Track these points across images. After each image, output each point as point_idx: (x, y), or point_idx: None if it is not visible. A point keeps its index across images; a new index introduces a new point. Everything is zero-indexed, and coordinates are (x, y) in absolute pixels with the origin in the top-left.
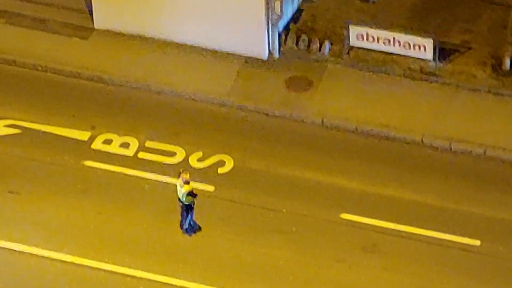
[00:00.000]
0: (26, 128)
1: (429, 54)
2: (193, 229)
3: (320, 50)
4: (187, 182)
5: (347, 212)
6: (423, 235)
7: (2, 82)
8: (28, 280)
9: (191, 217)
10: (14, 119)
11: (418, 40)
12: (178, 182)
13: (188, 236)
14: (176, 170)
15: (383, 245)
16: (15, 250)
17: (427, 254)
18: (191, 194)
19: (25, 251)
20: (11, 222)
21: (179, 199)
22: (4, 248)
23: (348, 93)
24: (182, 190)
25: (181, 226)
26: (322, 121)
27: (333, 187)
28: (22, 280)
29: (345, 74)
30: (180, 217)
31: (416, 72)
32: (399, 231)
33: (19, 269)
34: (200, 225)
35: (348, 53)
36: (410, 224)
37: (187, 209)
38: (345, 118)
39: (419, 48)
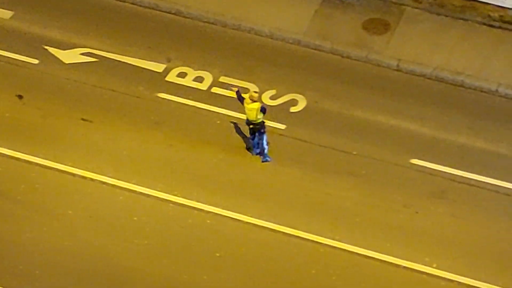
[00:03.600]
0: (102, 57)
1: (509, 2)
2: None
3: None
4: (255, 101)
5: (418, 158)
6: (493, 184)
7: (81, 10)
8: (96, 208)
9: (264, 139)
10: (91, 47)
11: None
12: (247, 102)
13: (268, 161)
14: None
15: (452, 192)
16: (85, 177)
17: (496, 203)
18: (263, 110)
19: (96, 178)
20: (82, 149)
21: (250, 123)
22: (75, 174)
23: (425, 38)
24: (254, 107)
25: (259, 152)
26: (397, 65)
27: (405, 132)
28: (91, 207)
29: (423, 19)
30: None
31: (495, 20)
32: (469, 179)
33: (89, 196)
34: (270, 163)
35: None
36: (480, 173)
37: (262, 127)
38: (421, 63)
39: None
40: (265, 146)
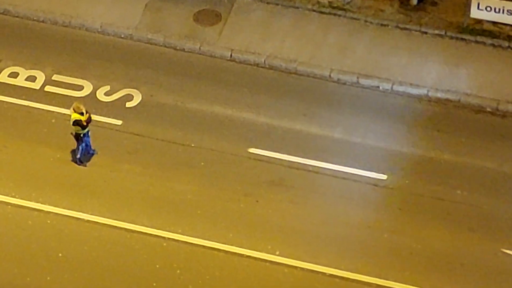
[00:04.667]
0: None
1: None
2: (86, 159)
3: None
4: (80, 113)
5: (255, 147)
6: (330, 169)
7: None
8: None
9: (83, 148)
10: None
11: None
12: (71, 110)
13: (81, 166)
14: (84, 103)
15: (290, 179)
16: None
17: (334, 188)
18: (78, 123)
19: None
20: None
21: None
22: None
23: (257, 27)
24: (71, 117)
25: (72, 154)
26: (231, 55)
27: (241, 122)
28: None
29: (253, 8)
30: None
31: (325, 6)
32: (306, 165)
33: None
34: (98, 154)
35: None
36: (317, 159)
37: (77, 138)
38: (254, 52)
39: None
40: (78, 155)
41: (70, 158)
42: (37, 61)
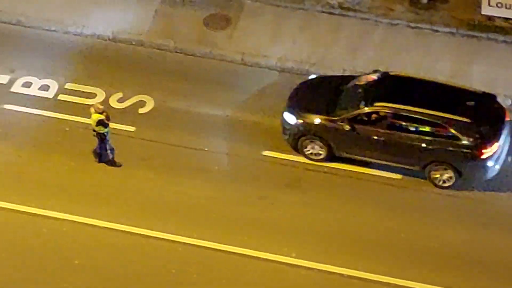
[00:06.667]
0: None
1: None
2: (103, 159)
3: None
4: (100, 112)
5: (269, 150)
6: (344, 170)
7: None
8: None
9: (103, 148)
10: None
11: None
12: (92, 111)
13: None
14: None
15: (305, 181)
16: None
17: (349, 188)
18: (102, 123)
19: None
20: None
21: (93, 130)
22: None
23: (267, 30)
24: (94, 118)
25: (95, 153)
26: (242, 58)
27: (255, 125)
28: None
29: (263, 11)
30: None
31: (334, 7)
32: (321, 166)
33: None
34: (121, 164)
35: None
36: (332, 159)
37: (100, 137)
38: (265, 55)
39: None
40: (106, 157)
41: (95, 160)
42: (50, 70)
